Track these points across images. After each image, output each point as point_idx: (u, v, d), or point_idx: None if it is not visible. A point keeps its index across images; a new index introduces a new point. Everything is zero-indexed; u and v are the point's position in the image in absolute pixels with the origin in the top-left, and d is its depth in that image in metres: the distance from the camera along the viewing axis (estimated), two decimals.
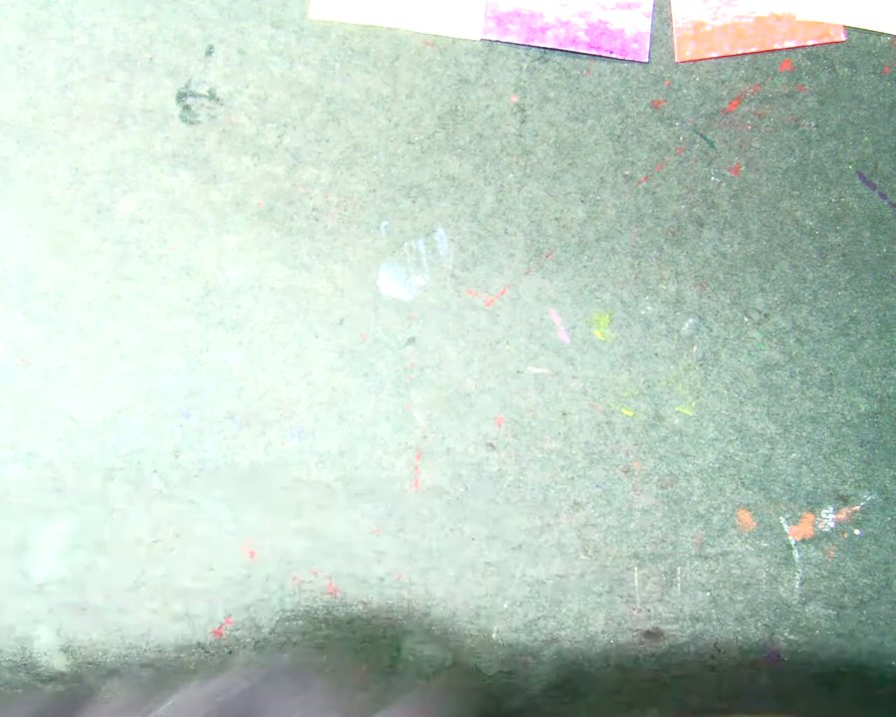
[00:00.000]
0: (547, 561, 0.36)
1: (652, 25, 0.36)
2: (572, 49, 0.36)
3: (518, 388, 0.36)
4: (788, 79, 0.36)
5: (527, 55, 0.37)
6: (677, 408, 0.36)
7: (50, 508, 0.35)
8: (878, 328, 0.36)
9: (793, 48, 0.36)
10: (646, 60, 0.36)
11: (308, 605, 0.35)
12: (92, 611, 0.35)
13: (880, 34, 0.36)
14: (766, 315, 0.36)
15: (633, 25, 0.36)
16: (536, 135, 0.36)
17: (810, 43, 0.36)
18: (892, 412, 0.36)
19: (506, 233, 0.36)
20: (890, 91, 0.37)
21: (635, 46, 0.36)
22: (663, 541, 0.36)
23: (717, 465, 0.36)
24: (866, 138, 0.37)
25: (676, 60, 0.36)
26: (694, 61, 0.36)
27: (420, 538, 0.36)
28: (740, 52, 0.36)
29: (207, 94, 0.36)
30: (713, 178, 0.36)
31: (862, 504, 0.36)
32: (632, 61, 0.36)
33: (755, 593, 0.36)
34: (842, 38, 0.36)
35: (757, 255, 0.36)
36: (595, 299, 0.36)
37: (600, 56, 0.36)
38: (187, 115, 0.36)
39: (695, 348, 0.36)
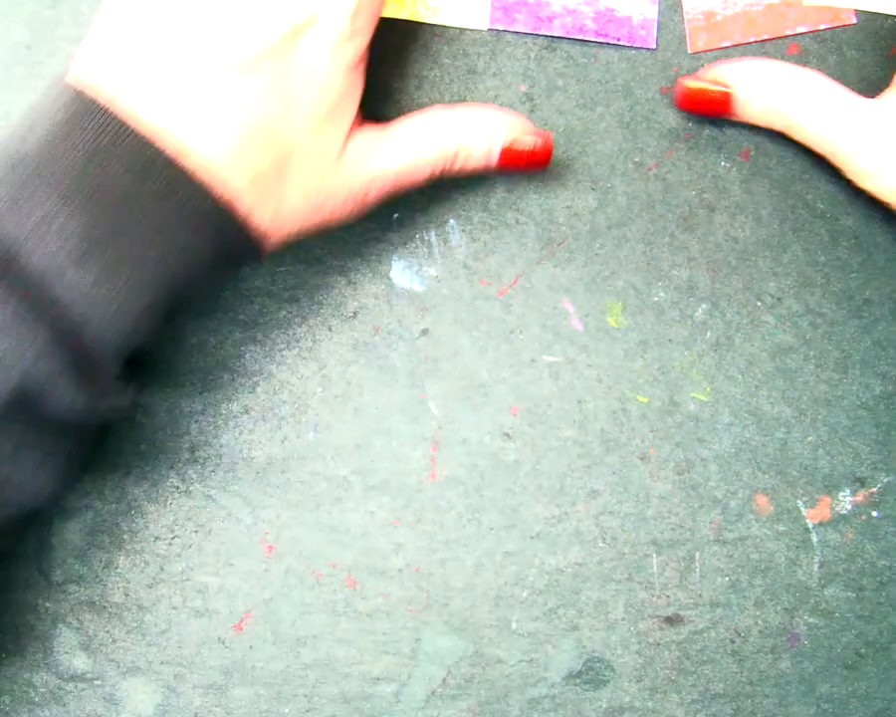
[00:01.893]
0: (565, 549, 0.36)
1: (659, 11, 0.36)
2: (580, 37, 0.36)
3: (532, 378, 0.36)
4: (797, 62, 0.36)
5: (534, 44, 0.36)
6: (692, 394, 0.36)
7: (68, 507, 0.35)
8: (891, 309, 0.36)
9: (805, 33, 0.36)
10: (654, 46, 0.36)
11: (327, 599, 0.35)
12: (112, 609, 0.35)
13: (888, 16, 0.36)
14: (779, 299, 0.36)
15: (640, 11, 0.36)
16: (545, 124, 0.36)
17: (822, 27, 0.36)
18: None
19: (517, 223, 0.36)
20: None
21: (643, 33, 0.36)
22: (681, 527, 0.36)
23: (733, 450, 0.36)
24: None
25: (689, 51, 0.36)
26: (707, 51, 0.36)
27: (438, 529, 0.36)
28: (752, 40, 0.36)
29: None
30: (723, 164, 0.36)
31: (879, 486, 0.36)
32: (640, 48, 0.36)
33: (774, 576, 0.36)
34: (854, 21, 0.36)
35: (768, 239, 0.36)
36: (608, 286, 0.36)
37: (608, 43, 0.36)
38: None
39: (708, 333, 0.36)
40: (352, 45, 0.30)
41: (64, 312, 0.26)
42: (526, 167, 0.33)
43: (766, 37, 0.36)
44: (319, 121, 0.30)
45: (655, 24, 0.36)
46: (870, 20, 0.37)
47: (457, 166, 0.33)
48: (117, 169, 0.26)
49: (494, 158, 0.33)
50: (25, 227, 0.25)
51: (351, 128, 0.31)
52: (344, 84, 0.30)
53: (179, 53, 0.27)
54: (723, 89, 0.33)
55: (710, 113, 0.35)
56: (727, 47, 0.36)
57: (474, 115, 0.33)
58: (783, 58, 0.36)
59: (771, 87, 0.33)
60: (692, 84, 0.34)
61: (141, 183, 0.26)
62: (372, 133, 0.32)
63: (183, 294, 0.29)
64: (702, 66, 0.36)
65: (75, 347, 0.26)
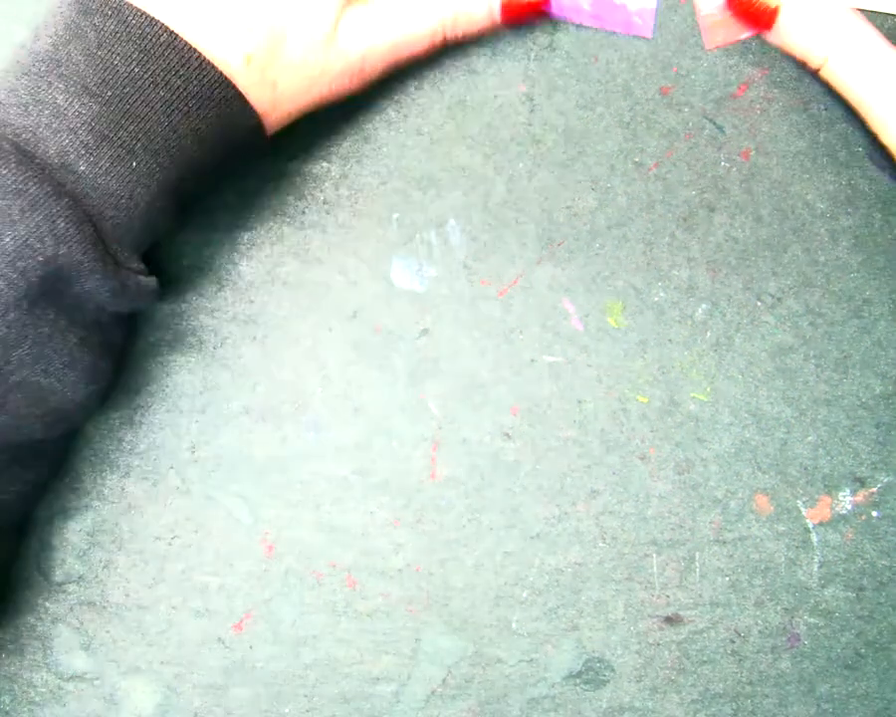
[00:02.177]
0: (565, 549, 0.36)
1: (658, 3, 0.36)
2: (576, 21, 0.35)
3: (532, 378, 0.36)
4: (797, 62, 0.36)
5: (534, 44, 0.36)
6: (692, 394, 0.36)
7: (68, 507, 0.35)
8: (891, 309, 0.36)
9: None
10: (650, 36, 0.36)
11: (327, 599, 0.35)
12: (111, 609, 0.35)
13: (887, 15, 0.36)
14: (779, 299, 0.36)
15: (638, 0, 0.36)
16: (545, 124, 0.36)
17: None
18: None
19: (517, 222, 0.36)
20: None
21: (639, 22, 0.36)
22: (681, 526, 0.36)
23: (733, 450, 0.36)
24: None
25: (707, 48, 0.36)
26: (724, 46, 0.36)
27: (438, 529, 0.36)
28: None
29: None
30: (723, 163, 0.36)
31: (879, 485, 0.36)
32: (637, 36, 0.36)
33: (773, 576, 0.36)
34: None
35: (768, 239, 0.36)
36: (608, 286, 0.36)
37: (604, 30, 0.36)
38: None
39: (708, 333, 0.36)
40: None
41: (80, 201, 0.27)
42: (529, 17, 0.34)
43: None
44: (312, 23, 0.31)
45: (653, 14, 0.36)
46: (870, 20, 0.37)
47: (460, 33, 0.34)
48: (123, 54, 0.27)
49: (496, 15, 0.34)
50: (41, 120, 0.27)
51: (343, 5, 0.32)
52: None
53: None
54: (771, 6, 0.33)
55: (749, 24, 0.34)
56: (745, 38, 0.36)
57: None
58: (783, 58, 0.36)
59: (813, 22, 0.33)
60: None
61: (146, 65, 0.28)
62: (366, 9, 0.32)
63: (194, 175, 0.30)
64: (702, 66, 0.36)
65: (94, 233, 0.27)
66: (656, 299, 0.36)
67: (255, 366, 0.36)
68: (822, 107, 0.36)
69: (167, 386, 0.35)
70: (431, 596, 0.35)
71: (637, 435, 0.36)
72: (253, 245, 0.36)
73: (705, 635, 0.36)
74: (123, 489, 0.35)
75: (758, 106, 0.36)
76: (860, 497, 0.36)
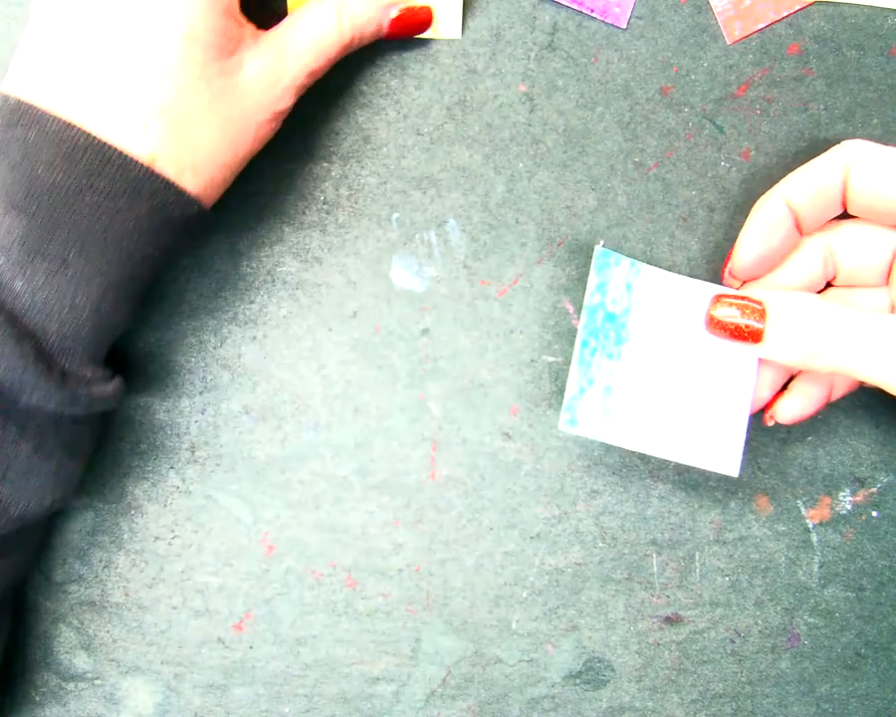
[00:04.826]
0: (565, 549, 0.36)
1: None
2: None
3: (532, 377, 0.36)
4: (796, 62, 0.36)
5: (534, 44, 0.36)
6: None
7: (67, 507, 0.35)
8: None
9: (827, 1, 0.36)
10: (623, 26, 0.36)
11: (327, 599, 0.35)
12: (112, 609, 0.35)
13: (887, 15, 0.36)
14: None
15: None
16: (545, 124, 0.36)
17: None
18: None
19: (517, 223, 0.36)
20: None
21: (617, 10, 0.36)
22: (681, 527, 0.36)
23: None
24: (875, 120, 0.37)
25: (728, 43, 0.36)
26: (745, 37, 0.36)
27: (438, 529, 0.36)
28: (785, 14, 0.36)
29: None
30: (723, 163, 0.36)
31: (879, 485, 0.36)
32: (611, 24, 0.36)
33: (774, 576, 0.36)
34: None
35: None
36: None
37: (582, 12, 0.35)
38: None
39: None
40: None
41: (20, 318, 0.27)
42: (415, 30, 0.35)
43: (797, 8, 0.36)
44: (199, 70, 0.29)
45: (632, 4, 0.36)
46: (870, 19, 0.37)
47: (352, 49, 0.34)
48: (46, 162, 0.27)
49: (384, 32, 0.34)
50: None
51: (240, 62, 0.30)
52: (217, 32, 0.29)
53: (81, 60, 0.28)
54: (756, 326, 0.31)
55: (737, 338, 0.32)
56: (763, 27, 0.36)
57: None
58: (783, 58, 0.36)
59: (806, 328, 0.30)
60: (723, 316, 0.32)
61: (68, 172, 0.27)
62: (267, 58, 0.31)
63: (141, 268, 0.29)
64: (702, 66, 0.36)
65: (37, 347, 0.27)
66: None
67: (255, 366, 0.36)
68: (822, 107, 0.36)
69: (167, 386, 0.35)
70: (431, 596, 0.36)
71: None
72: (253, 245, 0.36)
73: (705, 635, 0.36)
74: (123, 489, 0.35)
75: (758, 106, 0.36)
76: (860, 497, 0.36)
